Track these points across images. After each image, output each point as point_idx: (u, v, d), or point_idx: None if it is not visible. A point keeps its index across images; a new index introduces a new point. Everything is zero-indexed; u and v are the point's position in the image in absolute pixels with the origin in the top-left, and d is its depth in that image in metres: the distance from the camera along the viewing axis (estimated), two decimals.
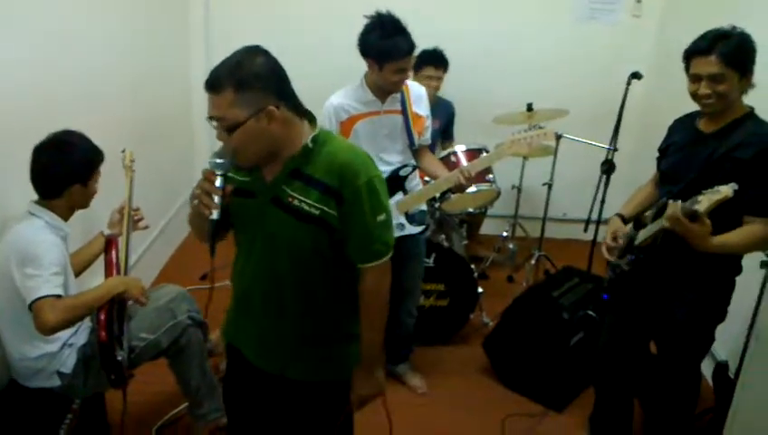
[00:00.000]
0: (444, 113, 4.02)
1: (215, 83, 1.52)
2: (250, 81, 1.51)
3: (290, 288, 1.71)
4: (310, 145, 1.62)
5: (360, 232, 1.65)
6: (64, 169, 2.19)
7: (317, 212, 1.60)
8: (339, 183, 1.59)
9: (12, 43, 2.39)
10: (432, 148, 3.90)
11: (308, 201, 1.61)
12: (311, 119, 1.67)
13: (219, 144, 1.63)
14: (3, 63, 2.33)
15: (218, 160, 1.57)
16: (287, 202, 1.62)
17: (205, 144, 4.52)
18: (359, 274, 1.72)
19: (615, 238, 2.36)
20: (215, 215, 1.57)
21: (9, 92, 2.37)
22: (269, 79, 1.54)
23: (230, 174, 1.64)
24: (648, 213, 2.29)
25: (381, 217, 1.66)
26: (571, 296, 3.08)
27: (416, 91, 2.74)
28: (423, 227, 2.86)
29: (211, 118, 1.54)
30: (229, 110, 1.51)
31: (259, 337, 1.81)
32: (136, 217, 2.55)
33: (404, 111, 2.67)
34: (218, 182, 1.57)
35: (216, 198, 1.57)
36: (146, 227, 2.65)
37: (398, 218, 2.76)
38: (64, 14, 2.77)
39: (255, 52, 1.56)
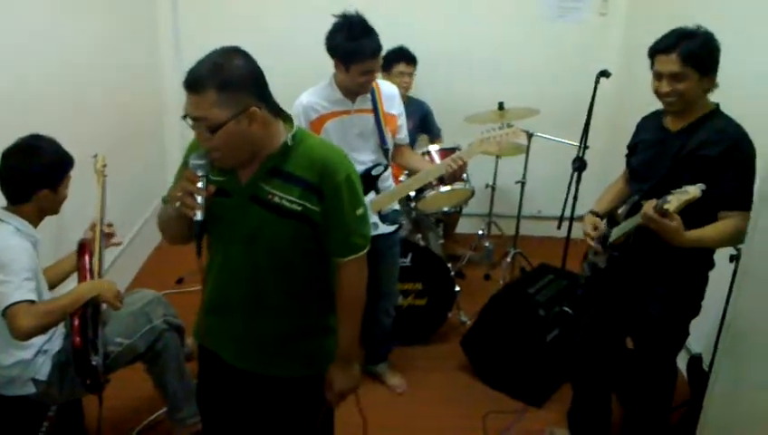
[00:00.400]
0: (417, 113, 4.04)
1: (196, 83, 1.51)
2: (232, 81, 1.51)
3: (271, 285, 1.72)
4: (290, 143, 1.64)
5: (340, 226, 1.68)
6: (32, 173, 2.17)
7: (299, 208, 1.62)
8: (319, 179, 1.62)
9: None
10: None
11: (289, 198, 1.62)
12: (285, 118, 1.69)
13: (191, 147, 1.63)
14: None
15: (199, 162, 1.57)
16: (267, 199, 1.63)
17: (176, 146, 4.48)
18: (335, 268, 1.75)
19: (595, 228, 2.39)
20: (199, 216, 1.57)
21: None
22: (250, 80, 1.55)
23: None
24: (621, 210, 2.33)
25: (360, 211, 1.70)
26: (546, 293, 3.12)
27: (387, 90, 2.74)
28: (396, 226, 2.87)
29: (192, 118, 1.54)
30: (211, 110, 1.50)
31: (238, 337, 1.81)
32: (107, 231, 2.49)
33: (375, 111, 2.68)
34: (201, 183, 1.57)
35: (200, 199, 1.57)
36: (119, 244, 2.61)
37: (372, 218, 2.76)
38: (34, 17, 2.73)
39: (235, 52, 1.56)
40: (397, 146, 2.82)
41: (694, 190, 1.91)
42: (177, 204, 1.59)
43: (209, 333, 1.86)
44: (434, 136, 4.12)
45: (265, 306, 1.75)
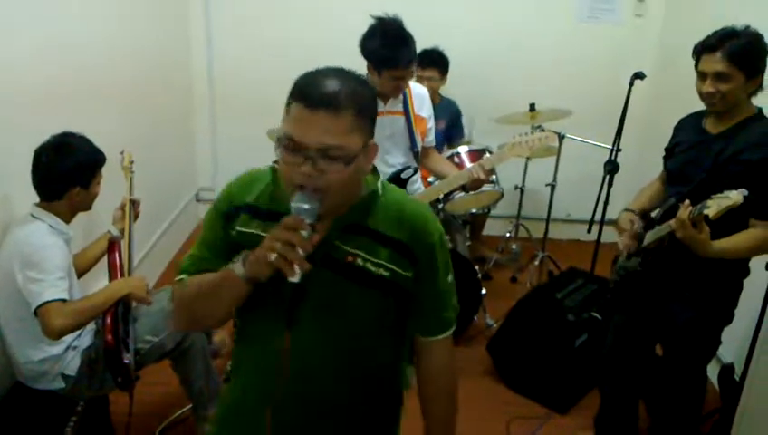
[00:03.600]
0: (448, 112, 4.02)
1: (336, 101, 1.16)
2: (367, 106, 1.23)
3: (341, 380, 1.35)
4: (380, 192, 1.33)
5: (433, 296, 1.37)
6: (65, 171, 2.19)
7: (387, 274, 1.29)
8: (410, 239, 1.31)
9: (12, 45, 2.38)
10: (438, 148, 3.92)
11: (376, 260, 1.28)
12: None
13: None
14: (3, 65, 2.32)
15: (306, 205, 1.18)
16: (346, 262, 1.28)
17: (206, 144, 4.53)
18: (419, 351, 1.44)
19: (632, 223, 2.34)
20: (297, 277, 1.16)
21: (10, 94, 2.36)
22: (375, 107, 1.29)
23: (252, 229, 1.32)
24: (655, 213, 2.28)
25: (451, 278, 1.41)
26: (575, 298, 3.08)
27: (418, 92, 2.73)
28: None
29: (319, 146, 1.16)
30: (350, 136, 1.18)
31: None
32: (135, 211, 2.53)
33: (406, 113, 2.67)
34: (305, 232, 1.17)
35: (301, 253, 1.16)
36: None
37: None
38: (64, 15, 2.75)
39: (351, 73, 1.26)
40: (423, 149, 2.81)
41: (736, 196, 1.84)
42: (273, 256, 1.15)
43: None
44: (459, 138, 4.10)
45: (323, 413, 1.38)
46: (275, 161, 1.28)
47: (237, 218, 1.33)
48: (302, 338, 1.31)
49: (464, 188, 3.13)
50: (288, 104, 1.20)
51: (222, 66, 4.42)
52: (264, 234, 1.25)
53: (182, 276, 1.37)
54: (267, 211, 1.31)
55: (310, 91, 1.17)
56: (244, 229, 1.32)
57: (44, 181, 2.20)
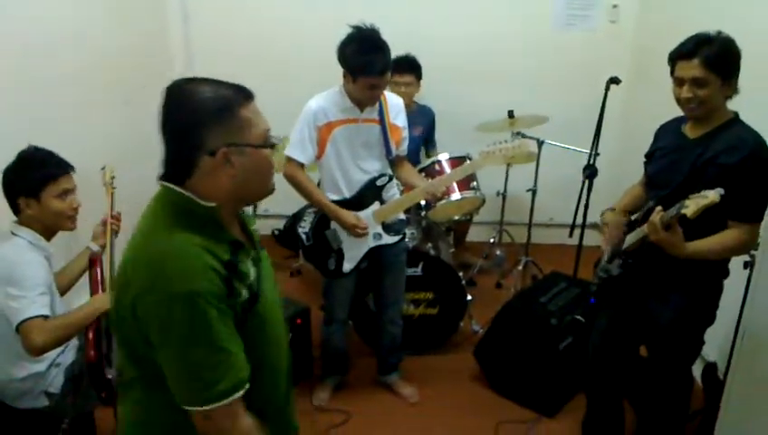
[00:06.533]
0: (426, 119, 4.05)
1: None
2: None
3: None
4: None
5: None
6: (11, 181, 2.18)
7: None
8: None
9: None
10: (417, 155, 3.95)
11: None
12: None
13: None
14: None
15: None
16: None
17: None
18: None
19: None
20: None
21: None
22: None
23: (247, 267, 1.36)
24: (636, 216, 2.32)
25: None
26: (558, 301, 3.11)
27: (393, 102, 2.75)
28: (400, 236, 2.87)
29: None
30: None
31: None
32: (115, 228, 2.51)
33: (381, 121, 2.68)
34: None
35: None
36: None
37: (376, 228, 2.77)
38: (47, 25, 2.74)
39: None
40: (397, 157, 2.82)
41: (713, 195, 1.87)
42: None
43: None
44: (431, 148, 4.13)
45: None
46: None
47: (234, 288, 1.29)
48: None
49: (428, 203, 3.16)
50: None
51: (202, 75, 4.41)
52: (250, 267, 1.35)
53: (240, 393, 1.30)
54: (233, 247, 1.33)
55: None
56: (250, 280, 1.34)
57: (3, 195, 2.20)
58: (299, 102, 2.66)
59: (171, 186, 1.31)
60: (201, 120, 1.26)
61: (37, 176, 2.18)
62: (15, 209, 2.20)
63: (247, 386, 1.30)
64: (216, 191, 1.30)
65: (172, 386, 1.28)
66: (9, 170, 2.19)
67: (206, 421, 1.28)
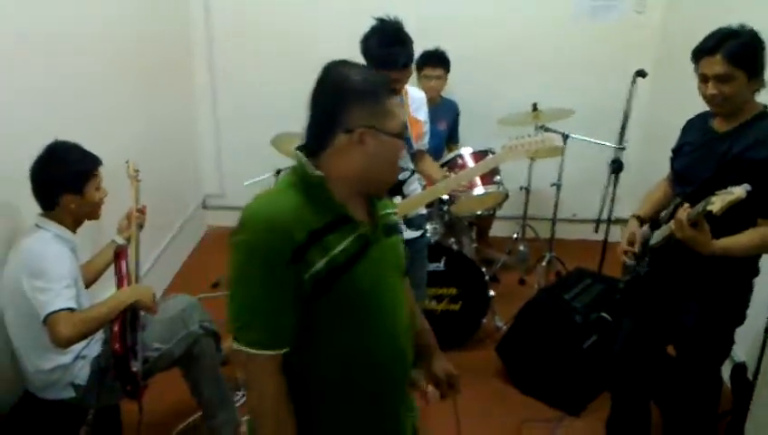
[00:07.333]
0: (450, 113, 4.03)
1: None
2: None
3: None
4: None
5: None
6: (53, 179, 2.19)
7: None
8: None
9: (20, 56, 2.39)
10: (440, 150, 3.92)
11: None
12: None
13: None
14: (8, 72, 2.34)
15: None
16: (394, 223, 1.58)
17: (209, 151, 4.54)
18: None
19: (631, 243, 2.34)
20: None
21: (15, 103, 2.37)
22: None
23: (343, 244, 1.39)
24: (664, 213, 2.27)
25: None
26: (583, 298, 3.07)
27: (415, 95, 2.73)
28: (422, 231, 2.85)
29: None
30: None
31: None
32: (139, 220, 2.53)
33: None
34: None
35: None
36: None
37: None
38: (66, 22, 2.76)
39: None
40: (417, 151, 2.80)
41: (739, 191, 1.82)
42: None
43: None
44: (454, 142, 4.11)
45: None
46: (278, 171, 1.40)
47: (303, 257, 1.31)
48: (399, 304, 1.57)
49: (450, 197, 3.13)
50: None
51: (224, 69, 4.43)
52: (348, 243, 1.36)
53: (267, 352, 1.34)
54: (335, 220, 1.37)
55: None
56: (334, 252, 1.34)
57: (37, 191, 2.21)
58: None
59: (298, 153, 1.40)
60: (348, 98, 1.34)
61: (80, 171, 2.22)
62: (52, 204, 2.21)
63: (280, 352, 1.34)
64: (344, 167, 1.37)
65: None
66: (44, 167, 2.19)
67: (244, 367, 1.36)
